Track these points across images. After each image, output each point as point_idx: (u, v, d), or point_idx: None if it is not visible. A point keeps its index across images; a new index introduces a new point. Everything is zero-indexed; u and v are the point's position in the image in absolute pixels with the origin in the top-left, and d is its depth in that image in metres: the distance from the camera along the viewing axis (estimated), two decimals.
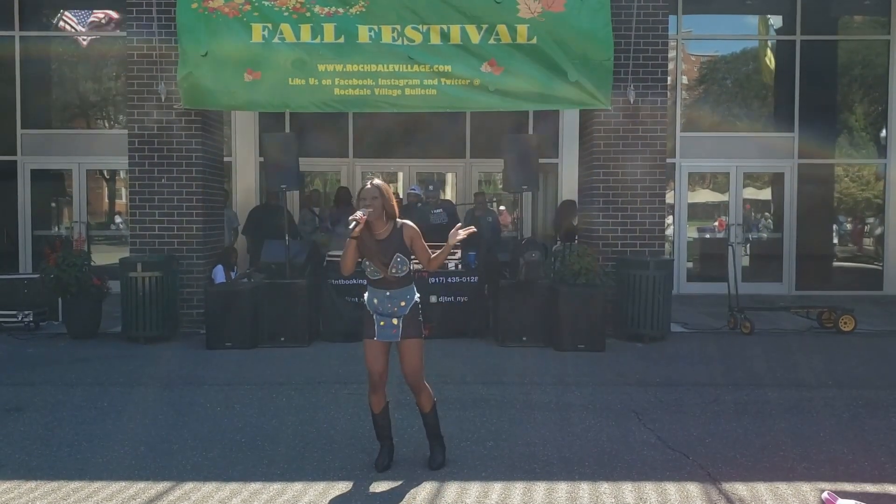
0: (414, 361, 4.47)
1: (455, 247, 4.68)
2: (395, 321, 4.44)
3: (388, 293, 4.45)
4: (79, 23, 12.32)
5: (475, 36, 8.73)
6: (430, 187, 10.76)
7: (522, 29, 8.72)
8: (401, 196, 11.69)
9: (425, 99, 8.86)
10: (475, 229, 4.63)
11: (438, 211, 10.10)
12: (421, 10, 8.69)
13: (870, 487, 4.28)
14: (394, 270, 4.40)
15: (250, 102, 9.11)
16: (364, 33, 8.72)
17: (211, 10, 8.65)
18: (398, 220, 4.52)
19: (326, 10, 8.68)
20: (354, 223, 4.27)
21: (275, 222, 9.41)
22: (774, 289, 12.45)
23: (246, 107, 9.59)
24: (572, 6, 8.65)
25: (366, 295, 4.54)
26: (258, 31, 8.72)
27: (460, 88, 8.80)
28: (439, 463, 4.56)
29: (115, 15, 12.25)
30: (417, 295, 4.59)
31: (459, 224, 4.52)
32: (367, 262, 4.45)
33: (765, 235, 13.36)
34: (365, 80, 8.78)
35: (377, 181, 4.49)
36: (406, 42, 8.73)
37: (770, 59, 13.26)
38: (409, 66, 8.74)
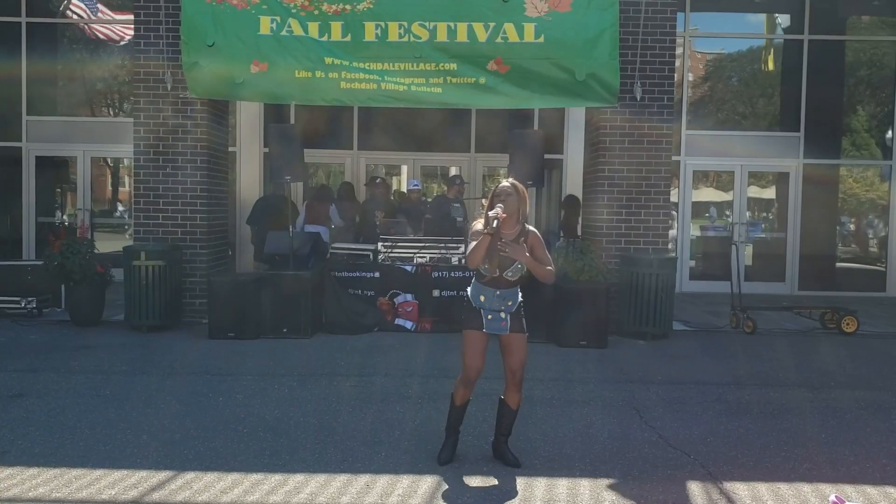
0: (522, 354, 4.49)
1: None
2: (503, 315, 4.44)
3: (497, 292, 4.43)
4: (87, 9, 12.25)
5: (482, 34, 8.72)
6: (458, 180, 10.56)
7: (529, 28, 8.71)
8: (404, 191, 11.69)
9: (431, 96, 8.86)
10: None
11: (457, 205, 10.01)
12: (428, 7, 8.68)
13: (871, 489, 4.28)
14: (509, 275, 4.39)
15: (256, 93, 9.12)
16: (371, 31, 8.71)
17: (219, 1, 8.65)
18: (527, 225, 4.49)
19: (334, 7, 8.67)
20: (496, 220, 4.25)
21: (279, 213, 9.41)
22: (777, 288, 12.45)
23: (252, 97, 9.58)
24: (579, 6, 8.65)
25: (469, 290, 4.54)
26: (266, 24, 8.72)
27: (466, 87, 8.80)
28: (517, 460, 4.56)
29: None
30: (521, 294, 4.55)
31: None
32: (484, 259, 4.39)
33: (764, 235, 13.36)
34: (371, 76, 8.78)
35: (513, 180, 4.48)
36: (413, 39, 8.72)
37: (777, 58, 13.21)
38: (415, 64, 8.74)
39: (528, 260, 4.33)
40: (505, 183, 4.47)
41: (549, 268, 4.44)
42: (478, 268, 4.43)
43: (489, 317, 4.44)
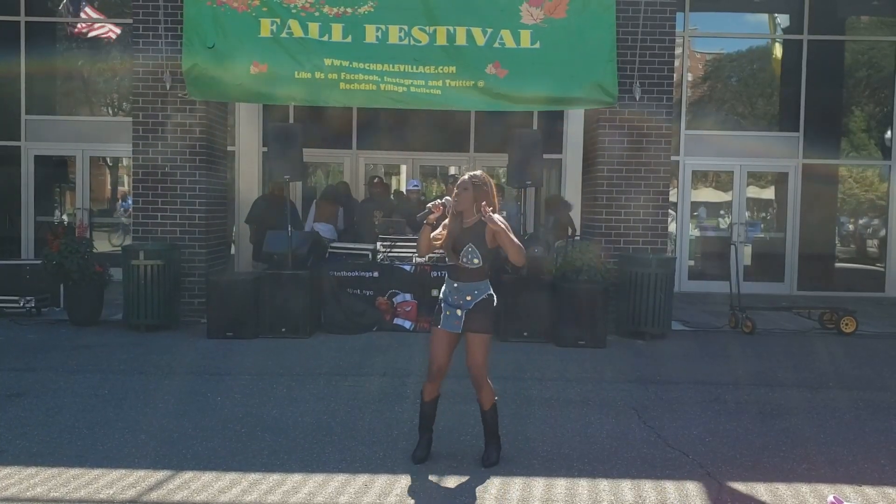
0: (476, 356, 4.43)
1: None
2: (459, 312, 4.43)
3: (455, 284, 4.46)
4: (72, 9, 12.17)
5: (480, 38, 8.76)
6: (455, 180, 10.59)
7: (526, 34, 8.77)
8: (403, 191, 11.68)
9: (430, 98, 8.87)
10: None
11: None
12: (428, 12, 8.71)
13: (869, 490, 4.28)
14: (464, 260, 4.39)
15: (256, 94, 9.13)
16: (371, 33, 8.74)
17: (219, 4, 8.68)
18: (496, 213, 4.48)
19: (335, 10, 8.69)
20: (428, 210, 4.38)
21: (278, 212, 9.40)
22: (776, 288, 12.44)
23: (252, 99, 9.61)
24: (575, 12, 8.69)
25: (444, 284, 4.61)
26: (266, 26, 8.74)
27: (465, 89, 8.82)
28: (493, 461, 4.51)
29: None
30: (491, 292, 4.52)
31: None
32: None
33: (763, 235, 13.36)
34: (371, 77, 8.78)
35: (477, 172, 4.53)
36: (412, 42, 8.75)
37: (776, 58, 13.22)
38: (414, 66, 8.75)
39: (500, 231, 4.29)
40: (466, 174, 4.52)
41: (520, 246, 4.41)
42: (445, 258, 4.52)
43: (447, 313, 4.46)
